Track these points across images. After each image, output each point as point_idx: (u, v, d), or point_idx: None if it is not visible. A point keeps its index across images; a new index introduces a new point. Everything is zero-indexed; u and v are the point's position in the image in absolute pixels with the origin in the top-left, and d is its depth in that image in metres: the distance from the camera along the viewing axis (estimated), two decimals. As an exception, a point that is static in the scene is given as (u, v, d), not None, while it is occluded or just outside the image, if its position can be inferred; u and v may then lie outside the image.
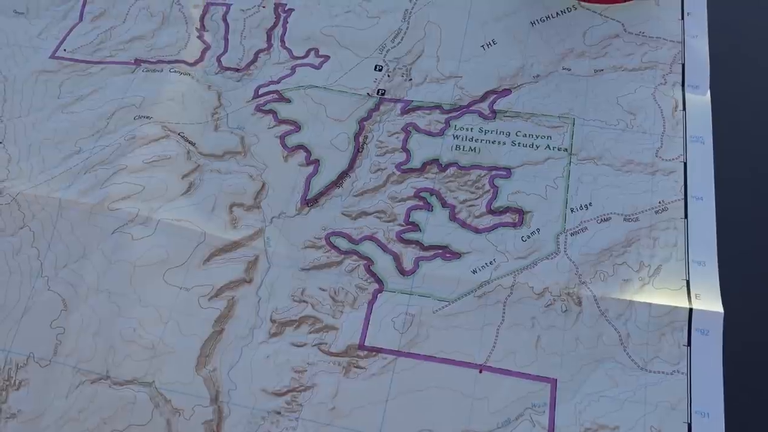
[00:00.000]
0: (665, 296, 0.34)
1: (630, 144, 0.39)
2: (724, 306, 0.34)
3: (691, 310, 0.34)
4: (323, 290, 0.36)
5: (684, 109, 0.40)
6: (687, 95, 0.41)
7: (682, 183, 0.38)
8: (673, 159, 0.39)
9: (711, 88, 0.41)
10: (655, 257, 0.36)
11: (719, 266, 0.35)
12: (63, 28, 0.47)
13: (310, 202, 0.39)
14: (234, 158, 0.41)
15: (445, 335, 0.35)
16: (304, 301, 0.36)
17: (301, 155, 0.41)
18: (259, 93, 0.43)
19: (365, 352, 0.34)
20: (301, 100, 0.43)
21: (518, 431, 0.32)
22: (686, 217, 0.37)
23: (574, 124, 0.40)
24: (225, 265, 0.37)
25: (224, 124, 0.42)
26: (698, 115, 0.40)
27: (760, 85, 0.42)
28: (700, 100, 0.41)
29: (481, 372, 0.33)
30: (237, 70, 0.44)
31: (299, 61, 0.44)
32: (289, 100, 0.43)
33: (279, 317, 0.36)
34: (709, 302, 0.34)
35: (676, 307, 0.34)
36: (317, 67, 0.44)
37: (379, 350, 0.34)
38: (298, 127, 0.42)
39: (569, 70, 0.42)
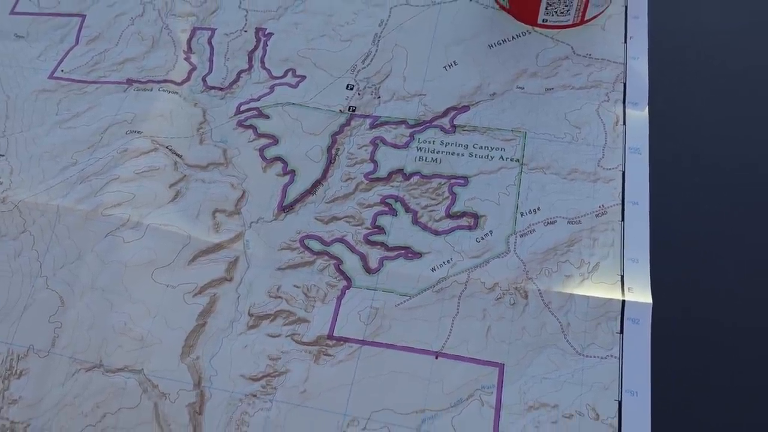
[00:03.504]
0: (602, 290, 0.38)
1: (575, 155, 0.43)
2: (653, 298, 0.38)
3: (624, 301, 0.38)
4: (297, 287, 0.40)
5: (624, 123, 0.44)
6: (627, 111, 0.45)
7: (620, 189, 0.42)
8: (613, 168, 0.43)
9: (649, 104, 0.45)
10: (594, 255, 0.40)
11: (651, 263, 0.39)
12: (60, 51, 0.52)
13: (286, 208, 0.43)
14: (217, 169, 0.45)
15: (406, 326, 0.38)
16: (279, 297, 0.40)
17: (278, 166, 0.45)
18: (241, 110, 0.47)
19: (333, 342, 0.38)
20: (279, 116, 0.47)
21: (469, 409, 0.36)
22: (623, 219, 0.41)
23: (525, 137, 0.44)
24: (208, 265, 0.41)
25: (209, 138, 0.46)
26: (637, 128, 0.44)
27: (694, 103, 0.46)
28: (639, 116, 0.45)
29: (437, 358, 0.37)
30: (220, 89, 0.48)
31: (277, 81, 0.48)
32: (268, 116, 0.47)
33: (256, 311, 0.39)
34: (640, 294, 0.38)
35: (610, 299, 0.38)
36: (294, 86, 0.48)
37: (346, 340, 0.38)
38: (276, 140, 0.46)
39: (522, 89, 0.47)
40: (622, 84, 0.46)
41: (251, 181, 0.44)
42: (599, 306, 0.38)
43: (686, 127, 0.45)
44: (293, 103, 0.47)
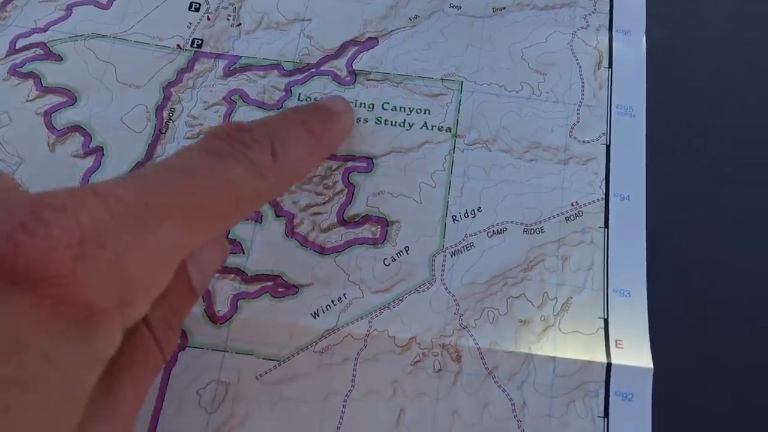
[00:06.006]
0: (575, 345, 0.25)
1: (536, 119, 0.29)
2: (655, 358, 0.24)
3: (609, 365, 0.24)
4: (101, 348, 0.25)
5: (610, 66, 0.29)
6: (615, 45, 0.30)
7: (604, 175, 0.28)
8: (591, 140, 0.28)
9: (648, 32, 0.30)
10: (564, 286, 0.26)
11: (649, 298, 0.25)
12: None
13: (88, 211, 0.27)
14: (-28, 149, 0.28)
15: (272, 415, 0.24)
16: (71, 367, 0.25)
17: (76, 141, 0.28)
18: (16, 47, 0.30)
19: (155, 446, 0.24)
20: (78, 56, 0.30)
21: None
22: (606, 225, 0.27)
23: (461, 90, 0.29)
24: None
25: (-39, 96, 0.29)
26: (628, 74, 0.29)
27: (718, 31, 0.31)
28: (632, 53, 0.30)
29: (318, 469, 0.24)
30: (-14, 11, 0.31)
31: (79, -3, 0.31)
32: (60, 58, 0.30)
33: (32, 394, 0.24)
34: (635, 353, 0.25)
35: (589, 362, 0.24)
36: (104, 6, 0.31)
37: (175, 441, 0.24)
38: (72, 97, 0.29)
39: (458, 8, 0.31)
40: (608, 1, 0.31)
41: (29, 167, 0.28)
42: (572, 373, 0.24)
43: (707, 70, 0.30)
44: (102, 35, 0.30)
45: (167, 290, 0.18)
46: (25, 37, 0.30)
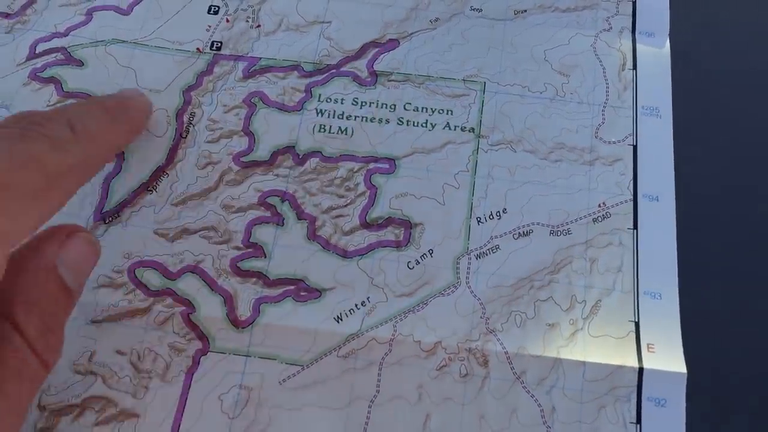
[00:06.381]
0: (605, 349, 0.24)
1: (560, 120, 0.28)
2: (688, 363, 0.24)
3: (641, 369, 0.24)
4: (121, 354, 0.25)
5: (634, 67, 0.29)
6: (638, 47, 0.29)
7: (631, 176, 0.27)
8: (618, 141, 0.28)
9: (672, 35, 0.29)
10: (593, 288, 0.25)
11: (681, 301, 0.25)
12: None
13: (108, 215, 0.27)
14: (-7, 154, 0.28)
15: (295, 419, 0.24)
16: (92, 373, 0.25)
17: (96, 145, 0.28)
18: (37, 51, 0.30)
19: (177, 452, 0.23)
20: (98, 61, 0.30)
21: None
22: (635, 226, 0.26)
23: (484, 91, 0.29)
24: (-27, 321, 0.25)
25: (-18, 101, 0.29)
26: (653, 75, 0.29)
27: (745, 31, 0.31)
28: (656, 54, 0.29)
29: (343, 476, 0.23)
30: (6, 15, 0.31)
31: (99, 1, 0.31)
32: (81, 63, 0.30)
33: (52, 401, 0.24)
34: (668, 357, 0.24)
35: (620, 366, 0.24)
36: (125, 12, 0.31)
37: (197, 447, 0.23)
38: (93, 102, 0.29)
39: (479, 10, 0.30)
40: (631, 3, 0.30)
41: (50, 172, 0.27)
42: (602, 378, 0.24)
43: (734, 71, 0.30)
44: (123, 40, 0.30)
45: (39, 295, 0.17)
46: (46, 41, 0.30)
